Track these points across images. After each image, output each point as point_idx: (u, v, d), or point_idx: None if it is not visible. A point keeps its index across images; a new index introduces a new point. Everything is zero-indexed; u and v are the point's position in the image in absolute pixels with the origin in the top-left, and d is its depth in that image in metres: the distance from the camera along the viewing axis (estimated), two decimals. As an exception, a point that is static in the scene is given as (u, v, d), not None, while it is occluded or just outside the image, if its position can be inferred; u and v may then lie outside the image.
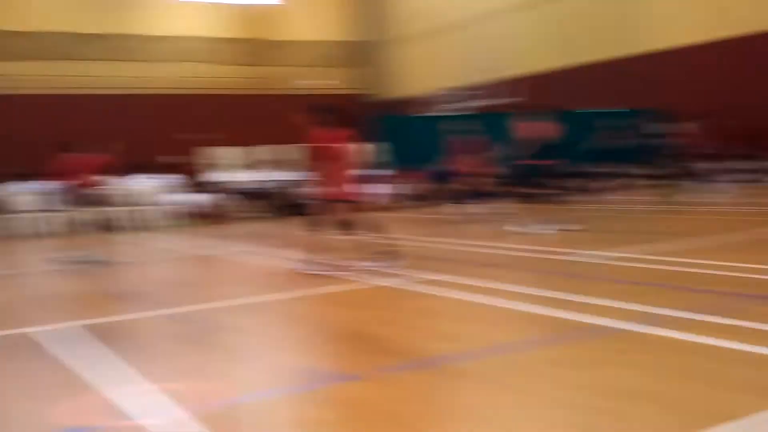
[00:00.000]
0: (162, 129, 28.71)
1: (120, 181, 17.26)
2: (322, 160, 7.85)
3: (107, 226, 16.56)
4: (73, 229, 11.00)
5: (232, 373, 4.40)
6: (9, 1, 31.07)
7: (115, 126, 27.64)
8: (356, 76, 34.86)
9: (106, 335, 5.48)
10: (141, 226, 16.85)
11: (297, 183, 20.15)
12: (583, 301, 5.60)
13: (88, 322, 6.02)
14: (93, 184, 10.67)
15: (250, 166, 21.27)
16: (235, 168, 22.14)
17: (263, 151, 27.63)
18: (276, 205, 19.39)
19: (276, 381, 4.22)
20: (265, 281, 8.15)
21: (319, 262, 7.99)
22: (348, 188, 7.98)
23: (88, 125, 27.67)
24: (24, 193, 16.26)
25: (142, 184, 17.21)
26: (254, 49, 34.05)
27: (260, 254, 10.68)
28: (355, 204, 8.09)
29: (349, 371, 4.24)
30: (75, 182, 10.41)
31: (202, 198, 17.79)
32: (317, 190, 8.02)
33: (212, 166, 24.06)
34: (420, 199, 19.03)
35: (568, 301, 5.64)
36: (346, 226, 8.09)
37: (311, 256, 8.02)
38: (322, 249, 8.13)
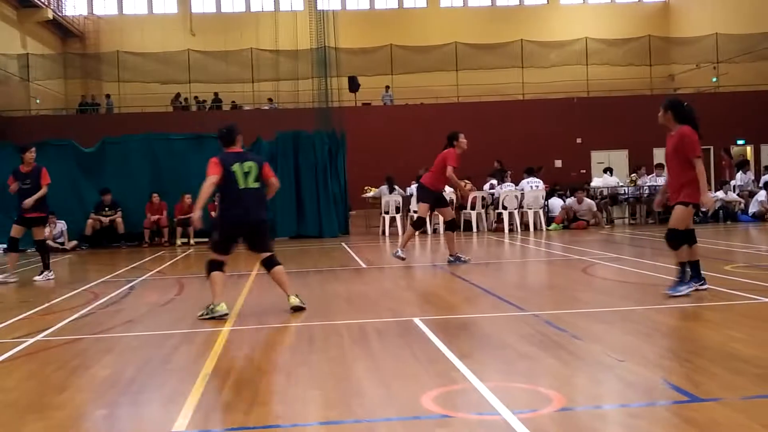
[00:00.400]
0: (557, 133, 29.46)
1: (508, 184, 18.29)
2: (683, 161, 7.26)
3: (497, 227, 17.71)
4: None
5: (570, 381, 4.64)
6: (408, 21, 34.61)
7: (508, 131, 29.21)
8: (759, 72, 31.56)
9: (474, 330, 6.13)
10: (523, 227, 17.66)
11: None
12: None
13: (460, 316, 6.76)
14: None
15: (636, 169, 20.75)
16: (616, 172, 21.81)
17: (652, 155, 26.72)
18: (647, 210, 18.76)
19: (614, 394, 4.34)
20: (627, 291, 8.12)
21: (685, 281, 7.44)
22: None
23: (485, 131, 29.72)
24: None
25: (529, 187, 17.95)
26: (648, 47, 32.89)
27: (626, 263, 10.57)
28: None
29: (701, 391, 4.19)
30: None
31: (584, 202, 17.96)
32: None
33: (600, 170, 23.99)
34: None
35: None
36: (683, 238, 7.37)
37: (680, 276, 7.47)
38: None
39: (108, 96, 32.45)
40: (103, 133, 19.22)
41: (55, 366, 5.55)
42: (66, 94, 33.85)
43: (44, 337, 6.53)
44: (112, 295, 8.99)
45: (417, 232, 13.08)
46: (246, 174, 7.08)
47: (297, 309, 7.22)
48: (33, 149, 11.04)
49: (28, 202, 10.56)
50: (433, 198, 11.30)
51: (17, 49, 30.31)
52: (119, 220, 16.81)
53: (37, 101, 31.62)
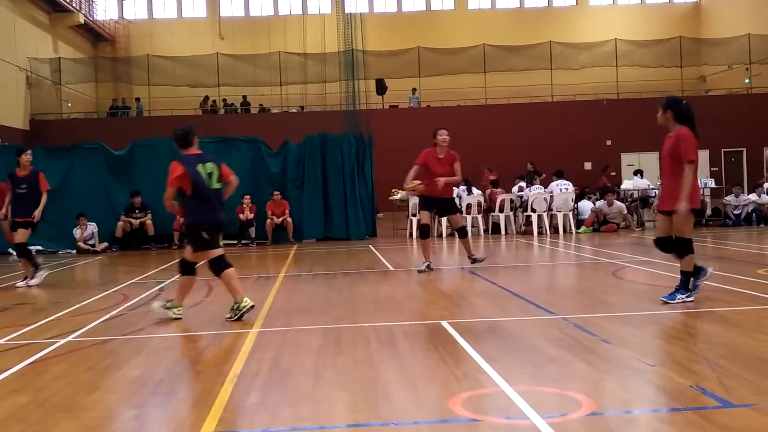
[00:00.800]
0: (587, 135, 29.25)
1: (537, 186, 18.17)
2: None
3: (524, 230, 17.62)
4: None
5: (600, 385, 4.59)
6: (436, 23, 34.60)
7: (536, 133, 29.05)
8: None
9: (502, 333, 6.08)
10: (552, 230, 17.53)
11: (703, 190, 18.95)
12: None
13: (488, 319, 6.72)
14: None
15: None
16: (646, 174, 21.57)
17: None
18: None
19: (644, 398, 4.29)
20: (658, 295, 8.01)
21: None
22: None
23: (513, 134, 29.60)
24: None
25: (558, 189, 17.82)
26: (679, 48, 32.51)
27: (657, 266, 10.44)
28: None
29: (733, 397, 4.12)
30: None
31: (614, 205, 17.79)
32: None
33: (631, 173, 23.77)
34: None
35: None
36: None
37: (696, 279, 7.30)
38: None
39: (138, 99, 32.82)
40: (133, 136, 19.43)
41: (86, 366, 5.60)
42: (97, 97, 34.30)
43: (75, 337, 6.61)
44: (142, 296, 9.08)
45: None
46: (209, 175, 7.19)
47: (239, 317, 7.09)
48: (29, 152, 10.64)
49: (37, 214, 10.31)
50: (429, 204, 10.71)
51: (49, 53, 30.77)
52: (149, 222, 16.97)
53: (68, 104, 32.06)
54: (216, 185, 7.24)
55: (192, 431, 3.96)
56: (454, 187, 11.62)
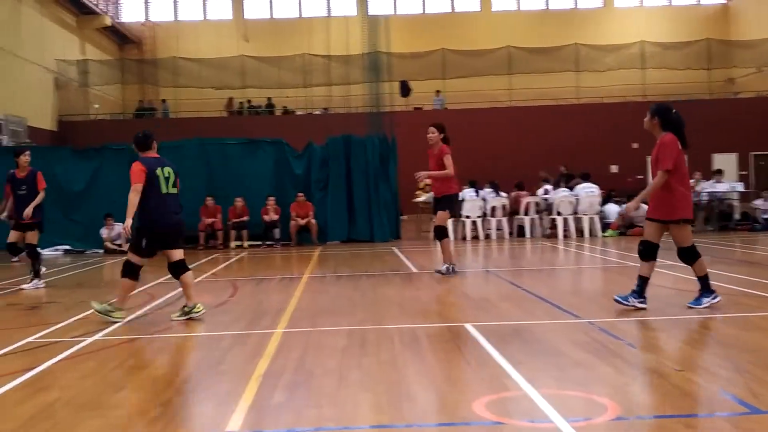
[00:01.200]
0: (613, 138, 29.01)
1: (563, 189, 18.06)
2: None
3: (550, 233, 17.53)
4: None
5: (625, 389, 4.55)
6: (460, 24, 34.51)
7: (561, 136, 28.88)
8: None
9: (527, 336, 6.05)
10: (578, 233, 17.40)
11: (732, 194, 18.72)
12: None
13: (513, 322, 6.69)
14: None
15: (693, 175, 20.29)
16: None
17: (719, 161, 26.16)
18: (705, 217, 18.30)
19: (670, 403, 4.23)
20: (684, 299, 7.92)
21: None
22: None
23: (538, 136, 29.46)
24: (471, 200, 17.99)
25: (584, 192, 17.69)
26: (707, 50, 32.14)
27: (683, 270, 10.31)
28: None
29: (761, 402, 4.06)
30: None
31: (641, 208, 17.59)
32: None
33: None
34: None
35: None
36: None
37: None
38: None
39: (164, 101, 33.11)
40: (159, 138, 19.42)
41: (113, 365, 5.66)
42: (123, 98, 34.64)
43: (101, 336, 6.68)
44: (167, 296, 9.15)
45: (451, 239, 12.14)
46: (167, 179, 7.39)
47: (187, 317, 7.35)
48: (28, 153, 10.59)
49: (27, 212, 10.20)
50: (441, 203, 10.58)
51: (76, 55, 31.14)
52: (174, 222, 17.07)
53: (96, 106, 32.42)
54: (172, 189, 7.44)
55: (217, 430, 3.98)
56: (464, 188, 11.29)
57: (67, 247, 16.93)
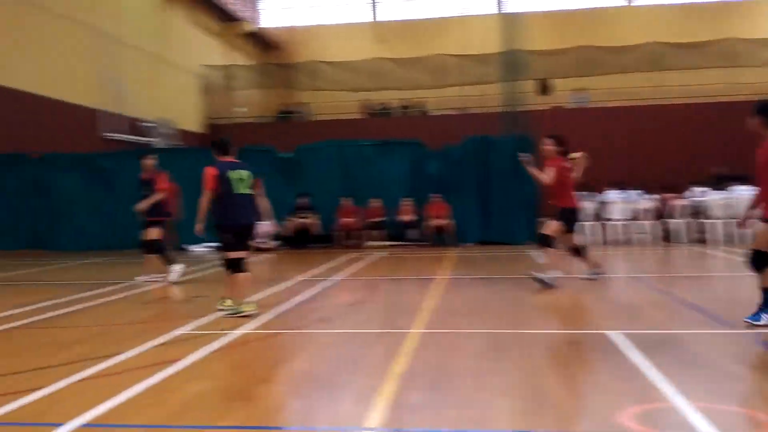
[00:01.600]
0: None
1: (710, 192, 17.08)
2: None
3: (700, 238, 16.62)
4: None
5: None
6: (600, 20, 33.37)
7: (711, 135, 27.34)
8: None
9: (677, 346, 5.75)
10: (737, 239, 16.39)
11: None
12: None
13: (661, 331, 6.37)
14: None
15: None
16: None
17: None
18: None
19: None
20: None
21: None
22: None
23: (686, 136, 28.05)
24: (618, 202, 17.34)
25: (742, 195, 16.64)
26: None
27: None
28: None
29: None
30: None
31: None
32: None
33: None
34: None
35: None
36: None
37: None
38: None
39: (305, 104, 34.16)
40: (300, 140, 20.19)
41: (258, 358, 5.88)
42: (265, 102, 36.00)
43: (248, 330, 6.94)
44: (308, 293, 9.39)
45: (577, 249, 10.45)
46: (240, 180, 7.74)
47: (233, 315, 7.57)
48: (150, 157, 11.15)
49: (142, 206, 10.73)
50: (560, 216, 9.71)
51: (220, 61, 32.67)
52: (315, 222, 17.58)
53: (245, 110, 33.87)
54: (245, 190, 7.75)
55: (357, 425, 4.03)
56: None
57: (213, 244, 17.77)
